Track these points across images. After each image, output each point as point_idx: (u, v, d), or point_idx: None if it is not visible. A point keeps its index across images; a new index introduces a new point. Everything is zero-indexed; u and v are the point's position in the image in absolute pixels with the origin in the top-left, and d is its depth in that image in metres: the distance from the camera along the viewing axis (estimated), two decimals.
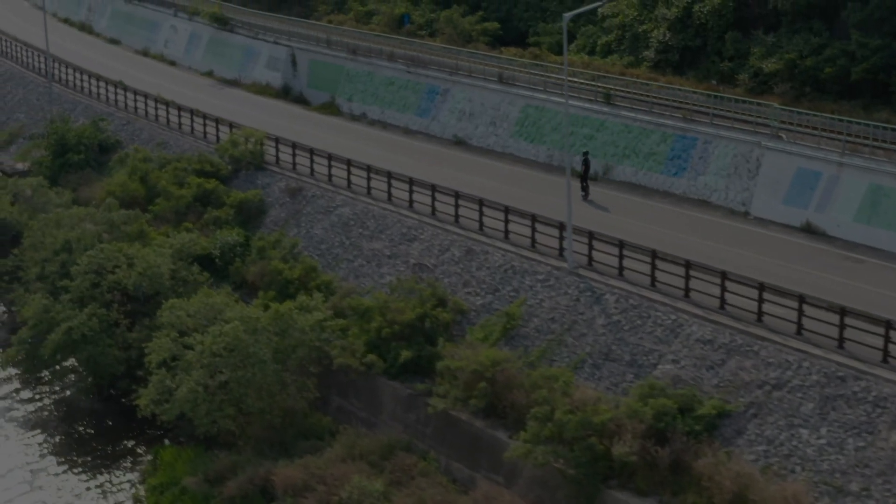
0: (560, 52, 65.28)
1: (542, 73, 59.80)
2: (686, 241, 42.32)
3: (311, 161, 53.69)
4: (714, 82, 56.90)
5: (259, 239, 49.61)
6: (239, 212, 52.09)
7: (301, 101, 73.74)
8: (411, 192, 47.84)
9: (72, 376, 46.93)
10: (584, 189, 49.89)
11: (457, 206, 45.66)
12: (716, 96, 51.56)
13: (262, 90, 75.43)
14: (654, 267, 37.92)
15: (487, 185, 49.74)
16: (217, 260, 48.52)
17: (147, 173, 55.72)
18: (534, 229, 42.36)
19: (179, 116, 64.06)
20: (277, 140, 56.13)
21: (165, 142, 62.09)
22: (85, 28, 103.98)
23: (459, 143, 61.58)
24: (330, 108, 70.60)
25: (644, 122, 53.02)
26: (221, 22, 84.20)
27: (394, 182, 48.79)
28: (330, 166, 52.50)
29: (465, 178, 51.13)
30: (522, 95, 59.62)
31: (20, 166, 66.41)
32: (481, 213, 44.61)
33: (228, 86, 77.75)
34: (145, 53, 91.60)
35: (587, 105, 55.90)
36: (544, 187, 50.48)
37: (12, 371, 47.49)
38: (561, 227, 41.21)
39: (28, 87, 79.62)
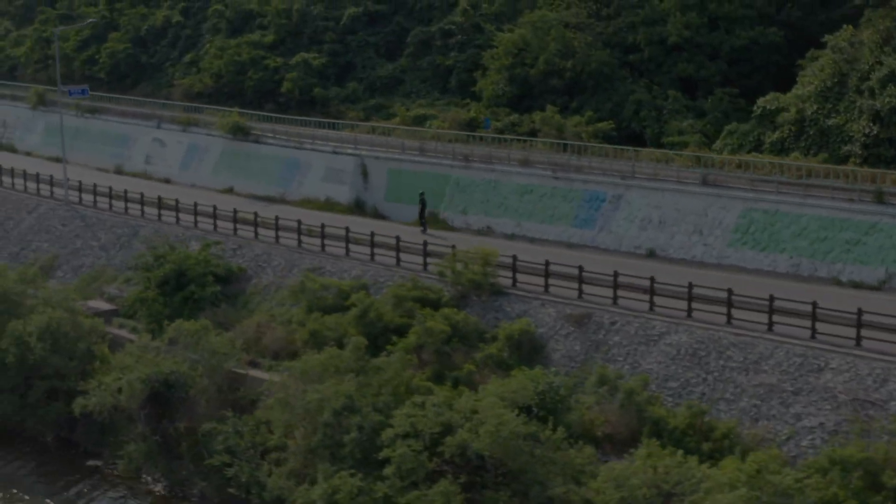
0: (706, 150, 58.95)
1: (762, 176, 52.77)
2: None
3: (580, 284, 44.16)
4: None
5: (572, 377, 39.64)
6: (516, 347, 41.91)
7: (377, 216, 63.67)
8: (771, 313, 39.33)
9: None
10: (423, 225, 57.36)
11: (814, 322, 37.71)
12: None
13: (324, 206, 64.71)
14: None
15: None
16: (535, 408, 38.06)
17: (367, 308, 44.35)
18: None
19: (323, 239, 52.82)
20: (515, 259, 46.27)
21: (319, 267, 50.74)
22: (3, 147, 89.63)
23: (651, 255, 53.42)
24: (434, 223, 60.64)
25: None
26: (242, 132, 72.91)
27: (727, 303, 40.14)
28: (616, 288, 43.16)
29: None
30: (740, 198, 52.25)
31: (104, 305, 53.20)
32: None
33: (270, 203, 66.17)
34: (119, 171, 78.70)
35: (844, 206, 49.15)
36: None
37: None
38: None
39: (34, 210, 65.59)
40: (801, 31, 68.02)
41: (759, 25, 67.58)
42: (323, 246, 52.79)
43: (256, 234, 55.57)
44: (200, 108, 78.20)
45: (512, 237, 57.81)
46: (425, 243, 49.33)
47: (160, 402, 44.14)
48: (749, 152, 58.63)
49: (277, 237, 54.62)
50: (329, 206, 64.79)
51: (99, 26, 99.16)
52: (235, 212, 56.94)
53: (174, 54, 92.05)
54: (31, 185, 68.65)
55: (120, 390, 44.11)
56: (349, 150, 66.95)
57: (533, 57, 70.39)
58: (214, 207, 57.97)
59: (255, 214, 55.99)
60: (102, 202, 63.60)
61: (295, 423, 38.16)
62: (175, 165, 76.58)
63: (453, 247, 47.68)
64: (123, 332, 50.68)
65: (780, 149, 58.22)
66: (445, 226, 60.37)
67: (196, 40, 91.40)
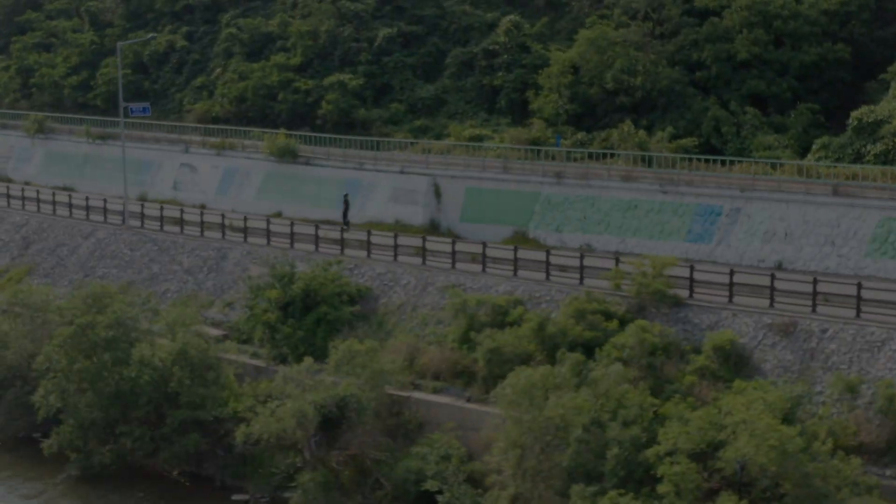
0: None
1: None
2: None
3: (772, 293, 42.22)
4: None
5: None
6: (724, 359, 39.69)
7: (452, 237, 60.86)
8: None
9: None
10: (346, 224, 59.13)
11: None
12: None
13: (394, 228, 61.61)
14: None
15: None
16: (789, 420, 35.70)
17: (543, 323, 41.62)
18: None
19: (454, 256, 49.95)
20: (692, 268, 44.12)
21: (458, 283, 47.82)
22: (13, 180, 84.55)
23: (779, 267, 51.85)
24: (524, 242, 58.12)
25: None
26: (291, 154, 69.53)
27: None
28: (815, 296, 41.33)
29: None
30: (877, 207, 51.09)
31: (211, 330, 49.39)
32: None
33: (326, 226, 62.82)
34: (143, 198, 74.35)
35: None
36: None
37: None
38: None
39: (90, 236, 61.23)
40: (864, 46, 67.98)
41: (825, 41, 67.19)
42: (454, 263, 49.91)
43: (369, 253, 52.40)
44: (239, 132, 74.53)
45: (616, 254, 55.65)
46: (581, 256, 46.89)
47: (328, 428, 40.73)
48: (851, 164, 57.79)
49: (396, 256, 51.56)
50: (400, 227, 61.76)
51: (91, 53, 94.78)
52: (343, 231, 53.73)
53: (180, 79, 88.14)
54: (78, 213, 64.18)
55: (278, 418, 40.54)
56: (418, 170, 64.16)
57: (593, 75, 68.78)
58: (316, 227, 54.74)
59: (369, 233, 52.93)
60: (171, 226, 59.59)
61: (526, 442, 35.20)
62: (210, 191, 72.65)
63: (617, 260, 45.42)
64: (244, 358, 46.97)
65: (885, 160, 57.45)
66: (537, 244, 57.89)
67: (204, 64, 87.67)
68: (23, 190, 69.64)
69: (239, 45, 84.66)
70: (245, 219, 57.41)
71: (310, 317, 46.91)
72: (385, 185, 65.09)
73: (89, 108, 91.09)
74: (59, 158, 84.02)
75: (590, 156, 61.67)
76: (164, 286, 54.71)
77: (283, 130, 71.52)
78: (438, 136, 71.30)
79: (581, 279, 46.37)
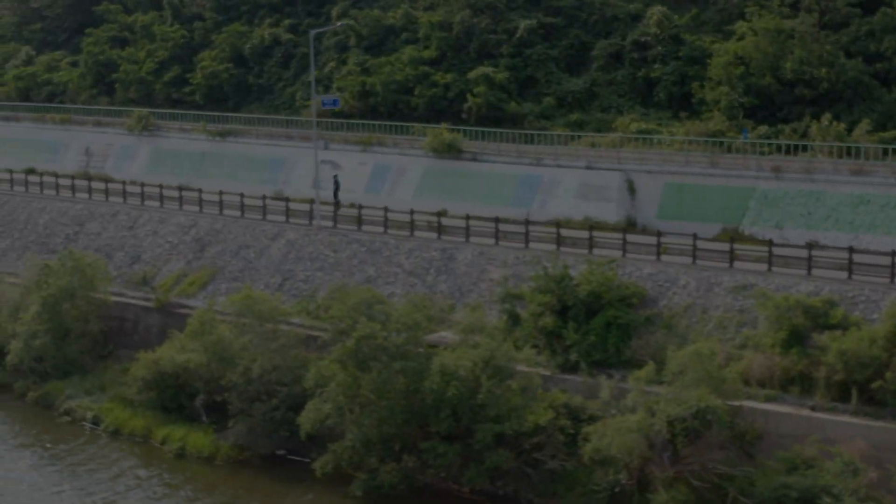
0: None
1: None
2: None
3: None
4: None
5: None
6: None
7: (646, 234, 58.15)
8: None
9: None
10: (337, 202, 63.05)
11: None
12: None
13: (583, 226, 58.53)
14: None
15: None
16: None
17: None
18: None
19: (731, 252, 47.05)
20: None
21: (749, 284, 44.87)
22: (92, 176, 79.84)
23: None
24: (739, 238, 55.32)
25: None
26: (455, 150, 66.22)
27: None
28: None
29: None
30: None
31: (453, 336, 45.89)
32: None
33: (509, 224, 59.63)
34: (279, 197, 70.38)
35: None
36: None
37: None
38: None
39: (277, 237, 57.42)
40: None
41: None
42: (731, 261, 47.03)
43: (624, 252, 49.40)
44: (389, 127, 71.07)
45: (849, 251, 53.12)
46: (894, 253, 44.26)
47: (676, 443, 37.66)
48: None
49: (659, 255, 48.64)
50: (590, 225, 58.63)
51: (179, 47, 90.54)
52: (591, 230, 50.66)
53: (287, 74, 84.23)
54: (251, 214, 60.45)
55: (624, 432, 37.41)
56: (607, 165, 61.23)
57: (767, 66, 66.27)
58: (558, 226, 51.60)
59: (624, 232, 49.89)
60: (370, 227, 56.13)
61: None
62: (358, 188, 68.95)
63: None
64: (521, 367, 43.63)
65: None
66: (753, 241, 55.18)
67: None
68: (180, 190, 65.29)
69: (355, 37, 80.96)
70: (467, 217, 54.01)
71: (596, 321, 43.71)
72: (570, 181, 62.08)
73: (186, 104, 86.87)
74: (169, 156, 79.86)
75: (778, 148, 59.26)
76: (386, 289, 51.09)
77: (444, 125, 68.12)
78: (599, 130, 68.41)
79: (893, 277, 43.70)
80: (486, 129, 67.83)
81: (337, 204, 62.90)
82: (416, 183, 67.45)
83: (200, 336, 47.78)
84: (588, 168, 61.88)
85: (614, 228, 57.97)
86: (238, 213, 61.08)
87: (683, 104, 69.26)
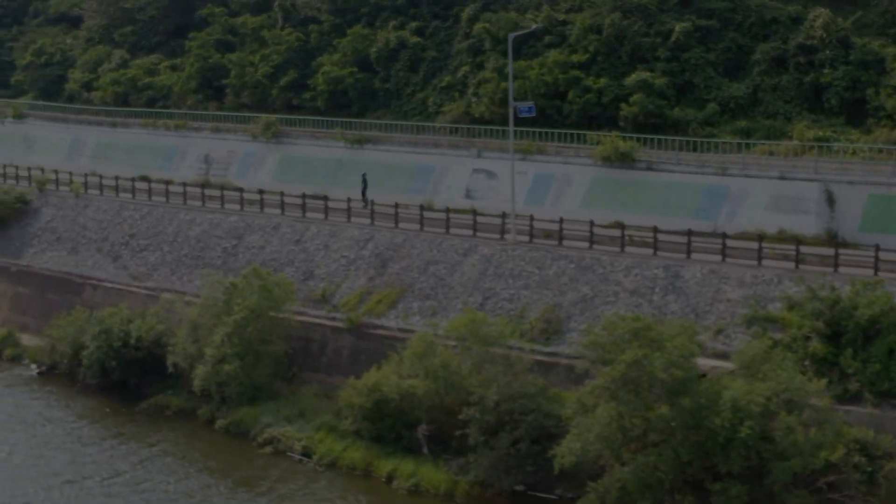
0: None
1: None
2: None
3: None
4: None
5: None
6: None
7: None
8: None
9: None
10: (365, 200, 64.27)
11: None
12: None
13: (777, 239, 55.36)
14: None
15: None
16: None
17: None
18: None
19: None
20: None
21: None
22: (213, 184, 76.61)
23: None
24: None
25: None
26: (626, 159, 63.00)
27: None
28: None
29: None
30: None
31: (712, 362, 42.69)
32: None
33: (699, 238, 56.38)
34: (428, 206, 67.00)
35: None
36: None
37: None
38: None
39: (469, 253, 54.12)
40: None
41: None
42: None
43: (876, 270, 46.13)
44: (549, 134, 67.85)
45: None
46: None
47: None
48: None
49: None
50: (785, 238, 55.47)
51: (294, 51, 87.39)
52: (837, 248, 47.51)
53: (415, 78, 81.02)
54: (432, 228, 57.29)
55: None
56: (803, 176, 57.97)
57: None
58: (797, 243, 48.36)
59: (877, 248, 46.59)
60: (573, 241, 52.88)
61: None
62: (518, 198, 65.56)
63: None
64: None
65: None
66: None
67: (443, 62, 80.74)
68: (348, 201, 62.01)
69: (490, 40, 77.70)
70: (689, 233, 50.75)
71: (877, 347, 40.48)
72: (761, 192, 58.85)
73: (305, 109, 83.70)
74: (300, 163, 76.65)
75: None
76: (604, 309, 47.88)
77: (615, 133, 64.92)
78: (768, 137, 65.22)
79: None
80: (656, 137, 64.70)
81: (365, 203, 63.96)
82: (582, 193, 64.25)
83: (423, 360, 44.50)
84: (781, 178, 58.61)
85: (814, 241, 54.99)
86: (417, 227, 57.75)
87: (856, 111, 66.05)
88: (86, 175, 75.34)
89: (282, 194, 64.94)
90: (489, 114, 74.15)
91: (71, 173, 78.75)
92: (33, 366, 61.05)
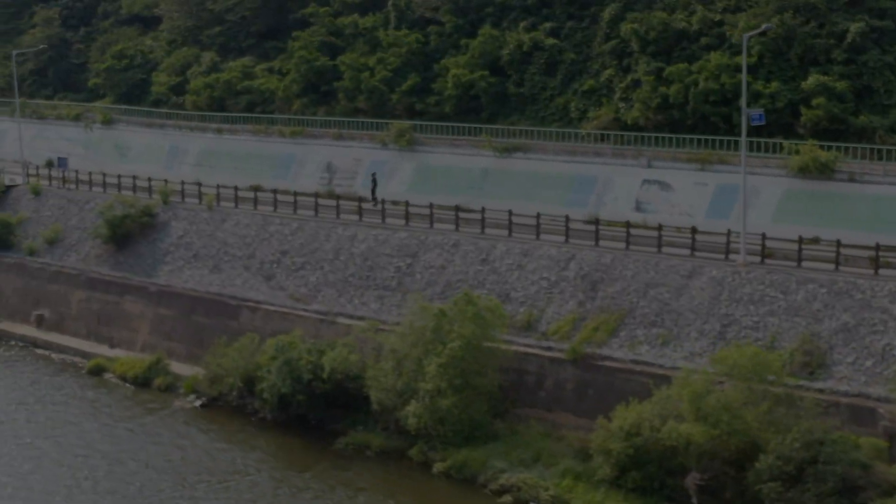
0: None
1: None
2: None
3: None
4: None
5: None
6: None
7: None
8: None
9: None
10: (374, 200, 66.08)
11: None
12: None
13: None
14: None
15: None
16: None
17: None
18: None
19: None
20: None
21: None
22: (338, 194, 71.67)
23: None
24: None
25: None
26: (824, 170, 58.34)
27: None
28: None
29: None
30: None
31: None
32: None
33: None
34: (592, 220, 61.91)
35: None
36: None
37: None
38: None
39: (694, 275, 49.38)
40: None
41: None
42: None
43: None
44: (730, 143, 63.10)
45: None
46: None
47: None
48: None
49: None
50: None
51: (413, 53, 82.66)
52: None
53: (553, 82, 76.24)
54: (641, 245, 52.41)
55: None
56: None
57: None
58: None
59: None
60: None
61: None
62: (697, 212, 61.21)
63: None
64: None
65: None
66: None
67: (583, 65, 75.99)
68: (537, 217, 57.13)
69: (639, 41, 72.91)
70: (877, 247, 46.13)
71: None
72: None
73: (430, 115, 78.87)
74: (439, 173, 71.90)
75: None
76: (872, 339, 43.16)
77: (812, 142, 60.26)
78: None
79: None
80: (842, 144, 60.11)
81: (374, 201, 65.56)
82: (773, 207, 59.64)
83: (698, 401, 39.71)
84: None
85: None
86: (623, 245, 52.97)
87: None
88: (218, 186, 70.38)
89: (457, 209, 60.06)
90: (644, 120, 69.42)
91: (183, 182, 74.32)
92: (191, 396, 56.12)
